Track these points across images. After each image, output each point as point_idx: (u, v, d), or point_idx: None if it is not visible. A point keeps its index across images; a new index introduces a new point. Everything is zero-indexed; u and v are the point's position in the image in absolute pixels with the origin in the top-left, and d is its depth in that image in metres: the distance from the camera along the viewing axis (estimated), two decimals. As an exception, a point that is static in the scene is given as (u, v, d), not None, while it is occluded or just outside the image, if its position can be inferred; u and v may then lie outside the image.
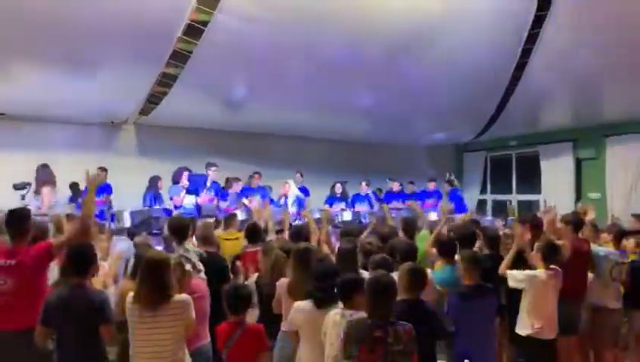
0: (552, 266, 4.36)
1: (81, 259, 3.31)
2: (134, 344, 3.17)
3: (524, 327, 4.33)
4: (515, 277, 4.35)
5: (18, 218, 3.57)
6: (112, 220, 7.10)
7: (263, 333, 3.56)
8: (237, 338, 3.41)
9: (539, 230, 4.93)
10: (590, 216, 5.81)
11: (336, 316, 3.23)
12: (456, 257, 4.51)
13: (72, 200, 8.19)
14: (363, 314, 3.11)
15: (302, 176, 9.91)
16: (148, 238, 5.34)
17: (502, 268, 4.46)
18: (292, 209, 8.56)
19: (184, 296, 3.25)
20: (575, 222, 5.06)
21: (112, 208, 7.51)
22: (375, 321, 2.98)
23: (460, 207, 9.51)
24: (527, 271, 4.33)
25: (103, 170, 8.09)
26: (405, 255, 4.26)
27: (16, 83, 7.43)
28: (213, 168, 8.77)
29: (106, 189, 8.09)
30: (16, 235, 3.53)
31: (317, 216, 7.10)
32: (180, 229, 4.30)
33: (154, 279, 3.13)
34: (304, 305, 3.50)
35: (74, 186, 8.37)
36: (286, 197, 9.12)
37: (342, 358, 3.03)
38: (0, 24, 6.05)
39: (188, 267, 3.66)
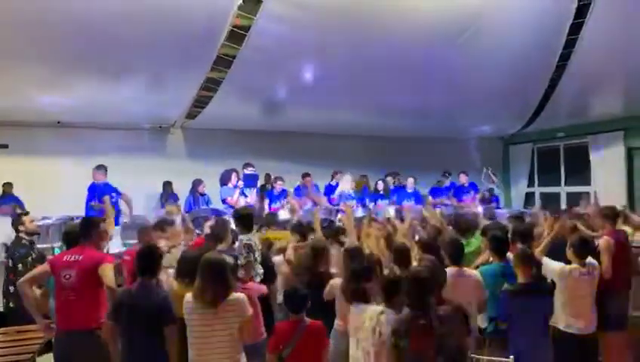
0: (587, 261, 4.23)
1: (145, 260, 3.53)
2: (194, 341, 3.30)
3: (557, 320, 4.19)
4: (547, 266, 4.28)
5: (88, 224, 4.02)
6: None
7: (324, 331, 3.67)
8: (299, 337, 3.51)
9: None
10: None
11: (375, 313, 3.32)
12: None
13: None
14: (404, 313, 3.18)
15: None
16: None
17: (537, 251, 4.43)
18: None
19: (240, 295, 3.39)
20: (609, 215, 5.00)
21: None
22: (416, 311, 3.06)
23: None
24: (559, 265, 4.22)
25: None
26: (453, 253, 4.21)
27: (71, 93, 7.84)
28: (249, 168, 8.79)
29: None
30: (85, 238, 3.92)
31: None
32: (246, 218, 4.46)
33: (213, 279, 3.28)
34: None
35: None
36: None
37: (392, 355, 3.11)
38: (55, 38, 6.40)
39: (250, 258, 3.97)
